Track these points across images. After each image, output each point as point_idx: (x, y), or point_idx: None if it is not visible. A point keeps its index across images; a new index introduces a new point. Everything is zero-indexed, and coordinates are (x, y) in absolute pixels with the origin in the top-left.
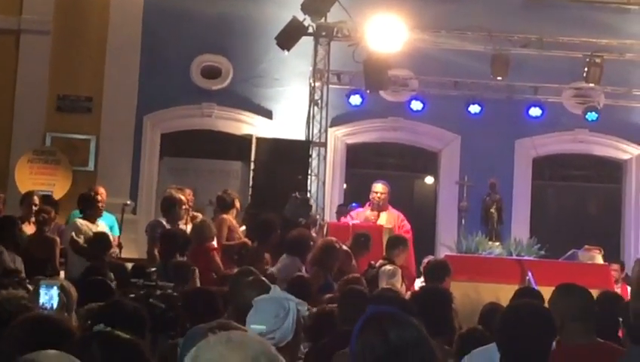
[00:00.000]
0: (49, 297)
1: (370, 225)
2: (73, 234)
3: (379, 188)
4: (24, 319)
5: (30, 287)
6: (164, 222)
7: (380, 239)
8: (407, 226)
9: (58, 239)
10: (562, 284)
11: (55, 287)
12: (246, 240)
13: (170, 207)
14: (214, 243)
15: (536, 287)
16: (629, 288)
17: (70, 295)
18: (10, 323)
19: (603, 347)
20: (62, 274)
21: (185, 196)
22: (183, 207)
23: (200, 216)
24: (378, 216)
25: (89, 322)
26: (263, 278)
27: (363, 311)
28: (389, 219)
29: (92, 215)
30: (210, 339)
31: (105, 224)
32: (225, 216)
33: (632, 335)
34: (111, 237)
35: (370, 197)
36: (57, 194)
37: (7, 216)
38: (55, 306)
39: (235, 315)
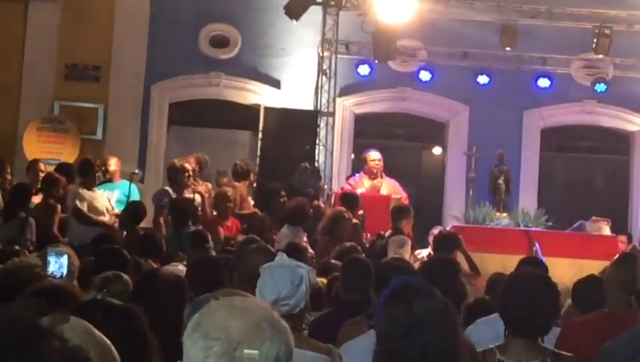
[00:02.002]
0: (59, 265)
1: (377, 196)
2: (77, 202)
3: (377, 155)
4: (35, 288)
5: (27, 254)
6: (171, 191)
7: (388, 209)
8: (404, 193)
9: (58, 206)
10: (624, 253)
11: (65, 256)
12: (256, 210)
13: (174, 175)
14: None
15: (543, 258)
16: None
17: (73, 263)
18: (23, 292)
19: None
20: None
21: (190, 164)
22: (186, 174)
23: (209, 185)
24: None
25: (105, 290)
26: (268, 246)
27: (366, 281)
28: (387, 187)
29: (89, 182)
30: (212, 305)
31: (102, 192)
32: (238, 184)
33: None
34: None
35: (369, 165)
36: None
37: (22, 184)
38: (65, 274)
39: (240, 283)
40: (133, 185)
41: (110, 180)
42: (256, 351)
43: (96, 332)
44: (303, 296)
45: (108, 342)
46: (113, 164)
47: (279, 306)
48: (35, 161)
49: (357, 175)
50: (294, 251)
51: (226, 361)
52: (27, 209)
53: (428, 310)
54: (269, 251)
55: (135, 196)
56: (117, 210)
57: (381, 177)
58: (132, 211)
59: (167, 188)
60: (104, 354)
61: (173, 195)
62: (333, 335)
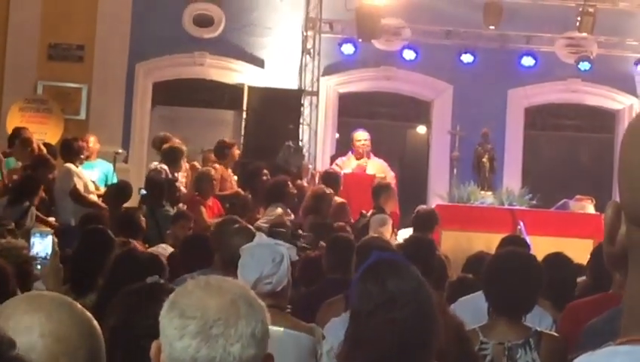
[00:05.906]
0: (43, 246)
1: (361, 175)
2: (75, 182)
3: (364, 135)
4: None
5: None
6: (167, 169)
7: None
8: (392, 173)
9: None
10: None
11: (50, 236)
12: (238, 190)
13: (175, 157)
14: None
15: (527, 237)
16: None
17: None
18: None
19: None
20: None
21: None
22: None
23: (196, 164)
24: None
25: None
26: (249, 226)
27: (349, 260)
28: (375, 167)
29: (75, 162)
30: (188, 284)
31: (86, 171)
32: (217, 165)
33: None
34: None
35: (356, 146)
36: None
37: (33, 177)
38: (50, 255)
39: (221, 264)
40: (112, 166)
41: (87, 158)
42: None
43: (79, 307)
44: (285, 274)
45: (94, 322)
46: (92, 142)
47: (262, 285)
48: (20, 130)
49: (345, 155)
50: (277, 229)
51: (201, 339)
52: (32, 200)
53: (400, 287)
54: (250, 232)
55: (114, 179)
56: (101, 189)
57: (368, 157)
58: (119, 191)
59: (164, 165)
60: (88, 334)
61: (169, 174)
62: (315, 314)
